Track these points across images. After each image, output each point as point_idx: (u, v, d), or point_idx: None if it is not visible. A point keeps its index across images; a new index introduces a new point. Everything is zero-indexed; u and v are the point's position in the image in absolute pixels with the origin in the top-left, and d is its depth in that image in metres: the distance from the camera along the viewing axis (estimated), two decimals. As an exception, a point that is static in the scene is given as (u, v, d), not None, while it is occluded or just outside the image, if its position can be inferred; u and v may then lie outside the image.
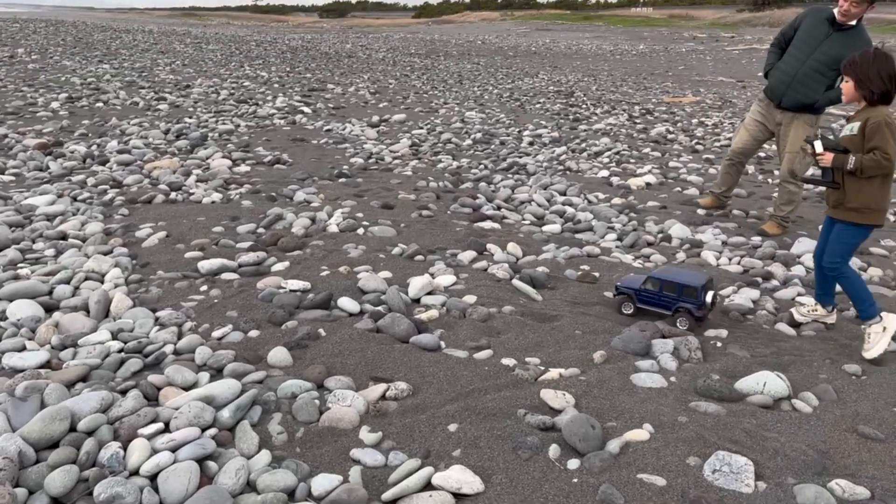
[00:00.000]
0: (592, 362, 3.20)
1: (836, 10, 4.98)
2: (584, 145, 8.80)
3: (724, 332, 3.59)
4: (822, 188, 3.69)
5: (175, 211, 5.26)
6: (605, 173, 7.31)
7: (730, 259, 4.83)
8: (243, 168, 6.78)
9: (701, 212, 6.00)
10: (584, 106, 12.69)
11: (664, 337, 3.46)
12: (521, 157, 7.88)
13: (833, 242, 3.50)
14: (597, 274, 4.35)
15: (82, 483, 2.19)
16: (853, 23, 4.97)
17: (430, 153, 8.06)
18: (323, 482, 2.27)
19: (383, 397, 2.83)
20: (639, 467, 2.37)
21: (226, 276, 4.04)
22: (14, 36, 22.81)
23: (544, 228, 5.35)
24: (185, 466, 2.22)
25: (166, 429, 2.45)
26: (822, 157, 3.39)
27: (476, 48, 30.37)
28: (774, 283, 4.41)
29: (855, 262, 4.69)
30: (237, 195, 5.79)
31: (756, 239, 5.26)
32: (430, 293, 3.88)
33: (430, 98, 13.12)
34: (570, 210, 5.79)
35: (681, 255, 4.88)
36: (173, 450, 2.31)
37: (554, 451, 2.47)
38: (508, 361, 3.14)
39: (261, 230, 4.91)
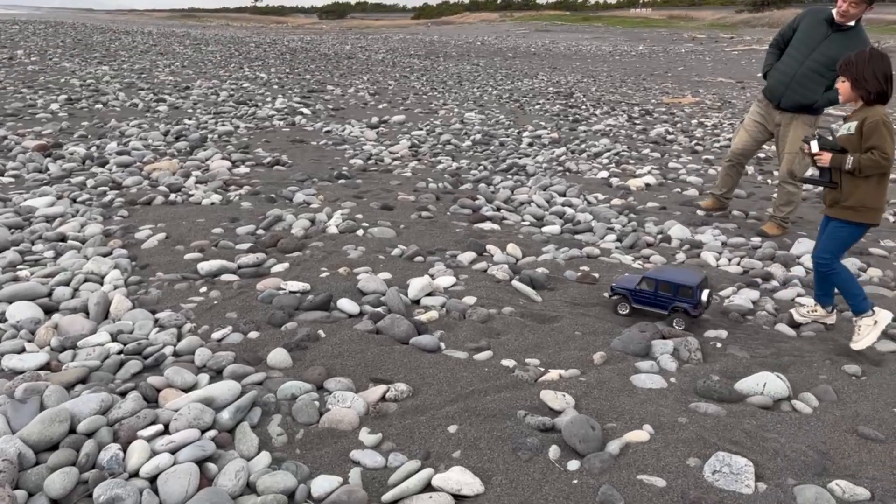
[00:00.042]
0: (592, 363, 3.20)
1: (834, 11, 4.98)
2: (583, 146, 8.80)
3: (723, 333, 3.59)
4: (823, 188, 3.70)
5: (174, 212, 5.25)
6: (604, 174, 7.31)
7: (729, 260, 4.83)
8: (243, 169, 6.78)
9: (701, 213, 6.00)
10: (583, 107, 12.70)
11: (664, 338, 3.46)
12: (520, 158, 7.88)
13: (826, 239, 3.53)
14: (596, 275, 4.35)
15: (82, 485, 2.19)
16: (852, 23, 4.98)
17: (429, 154, 8.06)
18: (323, 484, 2.27)
19: (383, 399, 2.83)
20: (639, 468, 2.37)
21: (225, 277, 4.04)
22: (13, 37, 22.82)
23: (544, 229, 5.35)
24: (185, 468, 2.22)
25: (166, 430, 2.45)
26: (819, 157, 3.40)
27: (475, 49, 30.39)
28: (774, 283, 4.41)
29: (854, 263, 4.70)
30: (237, 196, 5.79)
31: (756, 240, 5.27)
32: (429, 294, 3.88)
33: (429, 99, 13.12)
34: (569, 211, 5.79)
35: (680, 256, 4.88)
36: (173, 451, 2.31)
37: (554, 452, 2.47)
38: (508, 362, 3.14)
39: (260, 231, 4.91)
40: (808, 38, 5.17)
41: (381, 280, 3.97)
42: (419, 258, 4.47)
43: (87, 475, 2.21)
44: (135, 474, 2.23)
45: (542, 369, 3.11)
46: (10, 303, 3.50)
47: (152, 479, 2.21)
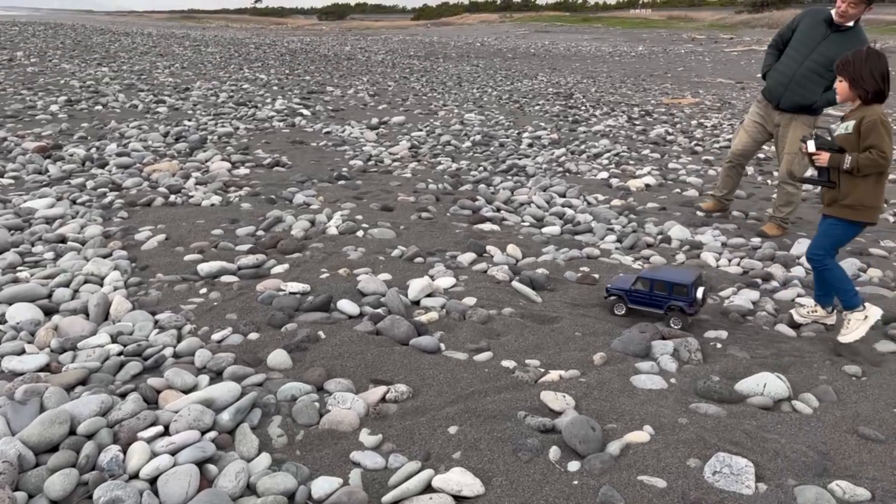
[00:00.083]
0: (592, 364, 3.20)
1: (833, 12, 4.99)
2: (583, 147, 8.81)
3: (724, 334, 3.59)
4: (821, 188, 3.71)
5: (174, 214, 5.25)
6: (604, 175, 7.31)
7: (729, 260, 4.83)
8: (242, 171, 6.78)
9: (701, 214, 6.00)
10: (583, 108, 12.71)
11: (664, 338, 3.47)
12: (520, 159, 7.88)
13: (821, 236, 3.54)
14: (596, 275, 4.35)
15: (82, 486, 2.19)
16: (851, 24, 4.98)
17: (429, 155, 8.06)
18: (323, 485, 2.27)
19: (383, 400, 2.83)
20: (639, 469, 2.37)
21: (225, 278, 4.04)
22: (13, 39, 22.84)
23: (544, 230, 5.34)
24: (185, 469, 2.22)
25: (166, 432, 2.45)
26: (817, 157, 3.41)
27: (475, 50, 30.40)
28: (774, 284, 4.41)
29: (854, 263, 4.69)
30: (236, 198, 5.79)
31: (756, 240, 5.27)
32: (429, 295, 3.88)
33: (429, 100, 13.13)
34: (569, 212, 5.79)
35: (680, 257, 4.89)
36: (173, 453, 2.30)
37: (554, 453, 2.47)
38: (508, 363, 3.14)
39: (260, 233, 4.90)
40: (807, 38, 5.18)
41: (381, 281, 3.97)
42: (419, 259, 4.47)
43: (87, 477, 2.20)
44: (135, 476, 2.22)
45: (543, 370, 3.11)
46: (10, 304, 3.50)
47: (152, 481, 2.21)
